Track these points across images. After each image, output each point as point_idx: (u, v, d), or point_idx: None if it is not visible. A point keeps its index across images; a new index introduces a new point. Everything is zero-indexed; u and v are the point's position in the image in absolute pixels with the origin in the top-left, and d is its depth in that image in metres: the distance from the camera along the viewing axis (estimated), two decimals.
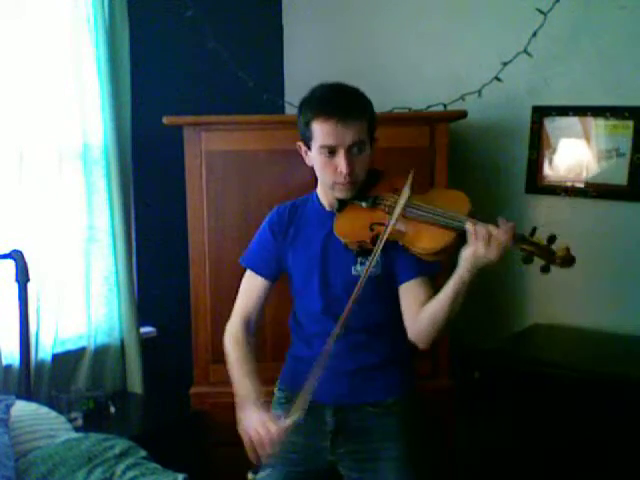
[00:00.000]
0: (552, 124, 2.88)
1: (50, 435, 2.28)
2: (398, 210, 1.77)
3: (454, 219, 1.72)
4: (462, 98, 2.92)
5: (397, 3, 3.24)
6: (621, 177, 2.72)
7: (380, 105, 3.22)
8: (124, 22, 2.87)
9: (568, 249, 1.68)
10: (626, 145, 2.71)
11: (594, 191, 2.79)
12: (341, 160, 1.78)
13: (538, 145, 2.91)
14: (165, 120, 2.73)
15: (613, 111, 2.73)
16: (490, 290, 3.06)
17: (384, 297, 1.87)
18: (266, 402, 1.90)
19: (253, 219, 2.76)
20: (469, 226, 1.66)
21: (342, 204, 1.88)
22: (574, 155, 2.84)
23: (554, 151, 2.88)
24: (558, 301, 2.94)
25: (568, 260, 1.68)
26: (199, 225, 2.78)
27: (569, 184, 2.85)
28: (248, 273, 2.02)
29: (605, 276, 2.83)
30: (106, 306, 2.91)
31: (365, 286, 1.77)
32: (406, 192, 1.79)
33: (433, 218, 1.76)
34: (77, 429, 2.46)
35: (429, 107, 3.00)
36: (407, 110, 2.99)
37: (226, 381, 2.81)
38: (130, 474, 2.11)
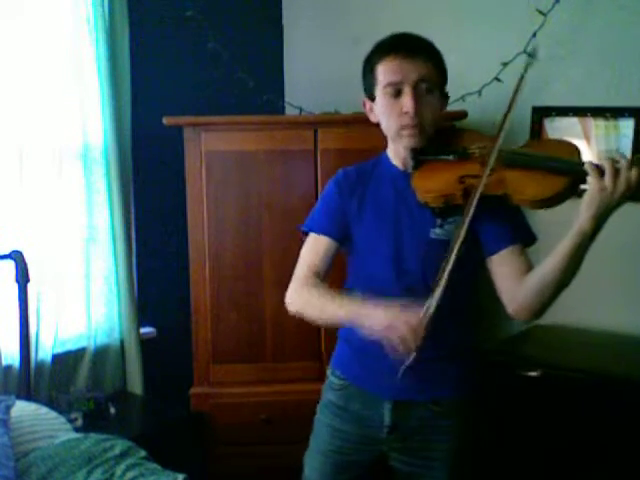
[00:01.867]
0: (552, 124, 2.88)
1: (50, 435, 2.28)
2: (495, 153, 1.59)
3: (567, 162, 1.55)
4: (462, 98, 2.92)
5: (397, 3, 3.24)
6: None
7: None
8: (124, 22, 2.87)
9: None
10: (626, 145, 2.71)
11: None
12: (406, 98, 1.66)
13: None
14: (165, 120, 2.73)
15: (613, 111, 2.73)
16: (490, 290, 3.06)
17: (461, 271, 1.63)
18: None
19: (253, 219, 2.78)
20: (589, 166, 1.48)
21: (418, 161, 1.71)
22: None
23: None
24: (558, 301, 2.91)
25: None
26: (199, 225, 2.78)
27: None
28: (312, 236, 1.82)
29: (605, 276, 2.83)
30: (106, 306, 2.91)
31: (437, 253, 1.61)
32: (502, 135, 1.62)
33: (542, 163, 1.57)
34: (77, 429, 2.46)
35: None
36: None
37: (226, 381, 2.84)
38: (130, 474, 2.11)
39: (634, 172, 1.45)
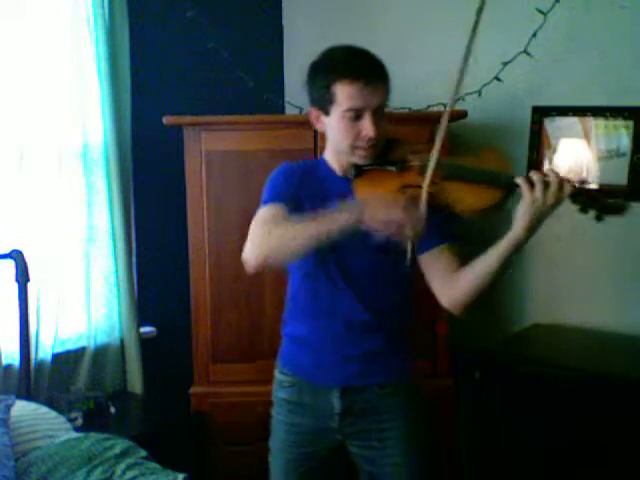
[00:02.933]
0: (552, 124, 2.88)
1: (50, 435, 2.29)
2: (432, 166, 1.66)
3: (502, 175, 1.66)
4: (462, 98, 2.92)
5: (397, 3, 3.24)
6: (621, 177, 2.72)
7: None
8: (124, 22, 2.87)
9: (619, 202, 1.66)
10: (626, 145, 2.71)
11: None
12: (368, 123, 1.71)
13: (538, 145, 2.90)
14: (165, 120, 2.73)
15: (613, 111, 2.72)
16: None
17: (397, 271, 1.78)
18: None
19: (253, 219, 2.77)
20: (521, 177, 1.59)
21: (359, 170, 1.78)
22: (574, 155, 2.84)
23: (554, 151, 2.88)
24: (558, 301, 2.93)
25: (621, 208, 1.66)
26: (199, 225, 2.78)
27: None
28: (264, 207, 1.79)
29: (605, 276, 2.83)
30: (106, 306, 2.91)
31: (376, 257, 1.72)
32: (437, 148, 1.68)
33: (477, 177, 1.68)
34: (77, 429, 2.46)
35: (429, 107, 3.00)
36: (407, 110, 2.99)
37: (226, 381, 2.84)
38: (130, 474, 2.11)
39: (565, 188, 1.58)
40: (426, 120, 2.81)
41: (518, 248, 1.64)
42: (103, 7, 2.77)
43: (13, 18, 2.59)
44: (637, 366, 2.44)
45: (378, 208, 1.58)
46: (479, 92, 2.89)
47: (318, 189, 1.83)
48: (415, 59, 3.18)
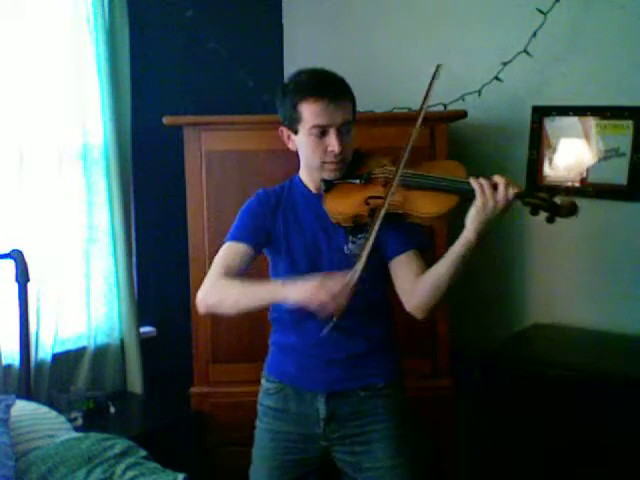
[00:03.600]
0: (552, 124, 2.88)
1: (50, 435, 2.28)
2: (398, 176, 1.78)
3: (456, 182, 1.76)
4: (462, 98, 2.93)
5: (397, 3, 3.24)
6: (621, 177, 2.72)
7: (380, 105, 3.24)
8: (124, 22, 2.87)
9: (572, 201, 1.72)
10: (626, 145, 2.71)
11: (594, 191, 2.79)
12: (332, 139, 1.80)
13: (538, 145, 2.91)
14: (165, 120, 2.73)
15: (613, 111, 2.73)
16: (490, 290, 3.07)
17: (373, 276, 1.86)
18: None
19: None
20: (473, 182, 1.69)
21: (329, 185, 1.88)
22: (574, 155, 2.84)
23: (554, 151, 2.88)
24: (558, 301, 2.94)
25: (571, 209, 1.71)
26: (199, 225, 2.78)
27: (569, 184, 2.85)
28: (229, 244, 1.96)
29: (605, 276, 2.83)
30: (106, 306, 2.91)
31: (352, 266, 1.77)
32: (404, 159, 1.79)
33: (435, 184, 1.78)
34: (77, 429, 2.46)
35: (429, 107, 3.00)
36: (407, 110, 2.99)
37: (226, 381, 2.84)
38: (130, 474, 2.11)
39: (510, 190, 1.66)
40: (426, 120, 2.79)
41: (469, 249, 1.71)
42: (103, 7, 2.77)
43: (13, 18, 2.58)
44: (637, 366, 2.44)
45: (294, 289, 1.71)
46: (479, 92, 2.90)
47: (294, 212, 1.94)
48: (415, 59, 3.18)
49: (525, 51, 2.79)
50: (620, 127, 2.72)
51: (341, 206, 1.86)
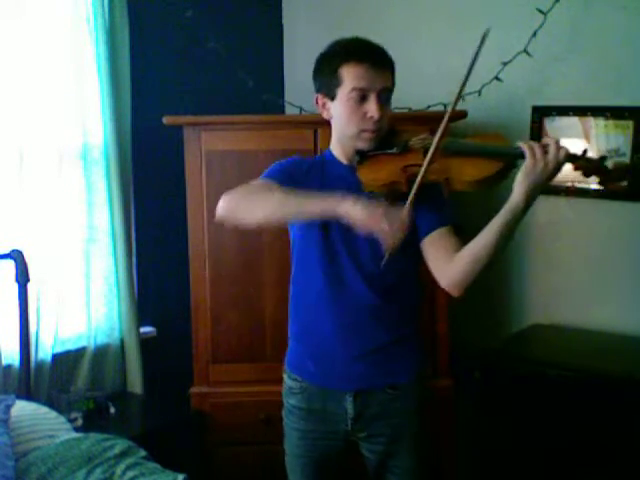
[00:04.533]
0: (552, 124, 2.88)
1: (50, 435, 2.28)
2: (436, 140, 1.68)
3: (501, 146, 1.71)
4: (462, 98, 2.92)
5: (397, 3, 3.24)
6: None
7: None
8: (124, 22, 2.87)
9: (624, 164, 1.72)
10: (626, 145, 2.71)
11: (594, 191, 2.79)
12: (372, 105, 1.76)
13: None
14: (165, 120, 2.73)
15: (613, 111, 2.72)
16: (490, 290, 3.06)
17: (402, 253, 1.74)
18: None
19: None
20: (522, 144, 1.64)
21: (363, 155, 1.81)
22: None
23: None
24: (558, 301, 2.93)
25: (622, 173, 1.71)
26: (199, 225, 2.78)
27: (569, 184, 2.85)
28: (263, 179, 1.87)
29: (605, 276, 2.83)
30: (106, 306, 2.91)
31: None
32: (443, 127, 1.70)
33: (478, 149, 1.73)
34: (77, 429, 2.46)
35: (429, 107, 3.00)
36: (407, 110, 2.99)
37: (226, 381, 2.84)
38: (130, 474, 2.10)
39: (562, 151, 1.61)
40: (426, 120, 2.81)
41: (517, 216, 1.64)
42: (103, 7, 2.77)
43: (13, 18, 2.58)
44: (637, 366, 2.44)
45: (357, 206, 1.61)
46: (479, 92, 2.89)
47: (324, 183, 1.85)
48: (415, 59, 3.18)
49: (525, 51, 2.79)
50: (620, 127, 2.72)
51: (376, 174, 1.78)
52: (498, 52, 2.85)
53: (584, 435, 2.35)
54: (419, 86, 3.14)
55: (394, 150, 1.81)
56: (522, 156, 1.64)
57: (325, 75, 1.82)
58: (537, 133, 2.90)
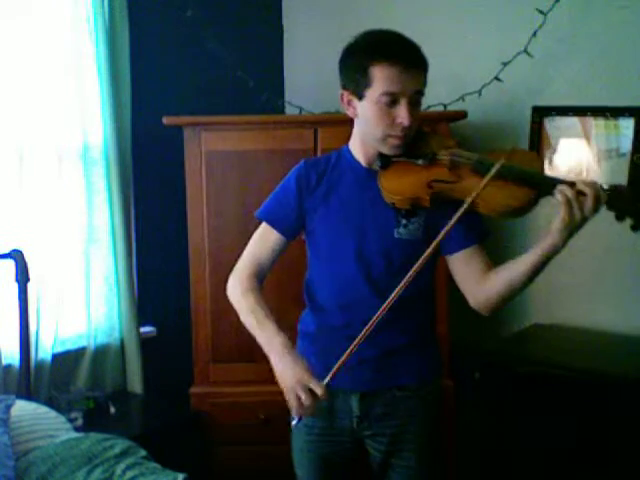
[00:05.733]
0: (552, 124, 2.88)
1: (50, 435, 2.28)
2: (493, 172, 1.60)
3: (539, 176, 1.64)
4: (462, 98, 2.92)
5: (397, 3, 3.24)
6: (621, 177, 2.72)
7: None
8: (124, 22, 2.87)
9: None
10: (626, 145, 2.71)
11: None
12: (403, 110, 1.65)
13: (538, 145, 2.90)
14: (165, 120, 2.73)
15: (613, 111, 2.72)
16: None
17: (423, 271, 1.70)
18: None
19: (253, 219, 2.76)
20: (559, 194, 1.55)
21: (385, 161, 1.73)
22: (574, 155, 2.84)
23: (554, 151, 2.88)
24: (558, 301, 2.93)
25: None
26: (199, 225, 2.78)
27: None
28: (264, 225, 1.88)
29: (606, 276, 2.83)
30: (106, 306, 2.91)
31: (400, 253, 1.71)
32: (503, 158, 1.63)
33: (511, 174, 1.62)
34: (77, 429, 2.46)
35: (429, 107, 3.00)
36: None
37: (226, 381, 2.84)
38: (130, 474, 2.10)
39: (598, 205, 1.54)
40: (426, 120, 2.80)
41: (554, 254, 1.62)
42: (103, 7, 2.77)
43: (13, 18, 2.58)
44: (637, 366, 2.44)
45: (277, 366, 1.73)
46: (479, 92, 2.89)
47: (338, 188, 1.80)
48: None
49: (525, 51, 2.79)
50: (620, 127, 2.72)
51: (399, 185, 1.69)
52: (498, 52, 2.85)
53: (584, 435, 2.35)
54: None
55: (420, 162, 1.72)
56: (557, 187, 1.57)
57: (353, 71, 1.70)
58: (537, 133, 2.90)
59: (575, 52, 2.79)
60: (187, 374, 2.84)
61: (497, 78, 2.87)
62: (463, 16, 3.06)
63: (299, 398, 1.63)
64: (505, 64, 2.83)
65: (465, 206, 1.61)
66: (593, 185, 1.57)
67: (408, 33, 3.24)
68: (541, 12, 2.72)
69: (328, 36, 3.45)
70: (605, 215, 2.88)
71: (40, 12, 2.65)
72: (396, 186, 1.70)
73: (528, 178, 1.63)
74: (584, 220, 1.56)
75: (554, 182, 1.60)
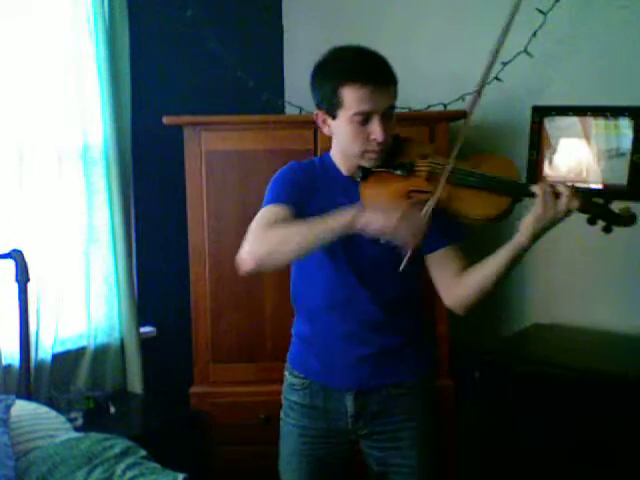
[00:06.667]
0: (552, 124, 2.88)
1: (50, 435, 2.28)
2: (445, 176, 1.68)
3: (513, 183, 1.69)
4: (462, 98, 2.92)
5: (397, 3, 3.24)
6: (621, 177, 2.72)
7: None
8: (124, 22, 2.87)
9: (628, 208, 1.69)
10: (626, 145, 2.71)
11: (594, 191, 2.79)
12: (376, 127, 1.69)
13: (538, 145, 2.90)
14: (165, 120, 2.73)
15: (613, 111, 2.72)
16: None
17: (406, 270, 1.74)
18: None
19: (253, 219, 2.77)
20: (537, 188, 1.62)
21: (366, 172, 1.78)
22: (574, 155, 2.84)
23: (554, 151, 2.88)
24: (558, 301, 2.93)
25: (630, 218, 1.68)
26: (199, 225, 2.78)
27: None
28: (268, 207, 1.79)
29: (605, 276, 2.83)
30: (106, 306, 2.91)
31: (388, 257, 1.71)
32: (453, 157, 1.70)
33: (487, 185, 1.69)
34: (77, 429, 2.46)
35: (429, 107, 3.00)
36: (407, 110, 2.99)
37: (226, 381, 2.84)
38: (130, 474, 2.11)
39: (574, 202, 1.60)
40: (426, 120, 2.81)
41: (522, 254, 1.67)
42: (103, 7, 2.77)
43: (13, 18, 2.58)
44: (637, 366, 2.44)
45: (374, 215, 1.59)
46: (479, 92, 2.89)
47: (328, 194, 1.82)
48: (415, 59, 3.18)
49: (525, 51, 2.78)
50: (620, 127, 2.72)
51: (380, 196, 1.75)
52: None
53: (584, 435, 2.35)
54: (419, 86, 3.14)
55: (399, 172, 1.77)
56: (532, 195, 1.63)
57: (324, 92, 1.74)
58: (537, 133, 2.90)
59: (575, 52, 2.79)
60: (187, 374, 2.84)
61: (497, 78, 2.86)
62: (463, 16, 3.06)
63: (410, 230, 1.59)
64: (505, 64, 2.83)
65: (427, 209, 1.66)
66: (570, 187, 1.63)
67: (408, 33, 3.25)
68: (541, 12, 2.72)
69: (328, 36, 3.43)
70: None
71: (40, 12, 2.65)
72: (376, 198, 1.75)
73: (499, 187, 1.69)
74: (554, 219, 1.62)
75: (524, 189, 1.67)
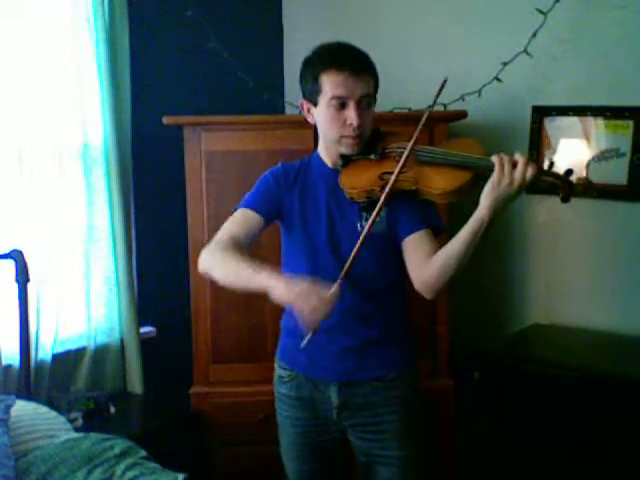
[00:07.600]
0: (552, 124, 2.88)
1: (50, 435, 2.28)
2: (407, 151, 1.76)
3: (471, 157, 1.74)
4: (462, 98, 2.92)
5: (397, 3, 3.24)
6: (621, 177, 2.72)
7: (380, 105, 3.22)
8: (124, 22, 2.87)
9: (587, 178, 1.73)
10: (626, 145, 2.71)
11: (594, 191, 2.78)
12: (352, 112, 1.80)
13: (538, 145, 2.91)
14: (165, 120, 2.73)
15: (613, 111, 2.73)
16: (490, 290, 3.07)
17: (387, 259, 1.89)
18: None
19: None
20: (494, 157, 1.67)
21: (346, 160, 1.87)
22: (574, 155, 2.84)
23: (554, 151, 2.88)
24: (558, 301, 2.94)
25: (588, 187, 1.71)
26: (199, 225, 2.78)
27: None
28: (240, 211, 1.94)
29: (605, 276, 2.83)
30: (106, 306, 2.91)
31: (369, 245, 1.78)
32: (416, 135, 1.78)
33: (448, 159, 1.77)
34: (77, 429, 2.45)
35: (429, 107, 3.00)
36: (407, 110, 2.99)
37: (226, 381, 2.84)
38: (130, 474, 2.10)
39: (529, 169, 1.64)
40: (426, 120, 2.80)
41: (481, 227, 1.68)
42: (103, 7, 2.77)
43: (13, 18, 2.58)
44: (637, 366, 2.44)
45: (277, 284, 1.67)
46: (479, 92, 2.90)
47: (310, 188, 1.94)
48: (415, 59, 3.18)
49: (525, 51, 2.79)
50: (620, 127, 2.72)
51: (355, 180, 1.84)
52: (498, 52, 2.85)
53: (584, 435, 2.35)
54: (419, 86, 3.12)
55: (372, 157, 1.86)
56: (493, 168, 1.67)
57: (307, 82, 1.87)
58: (537, 133, 2.90)
59: (575, 52, 2.79)
60: (187, 374, 2.84)
61: (497, 78, 2.87)
62: (463, 16, 3.06)
63: (310, 304, 1.63)
64: (505, 64, 2.84)
65: (387, 190, 1.76)
66: (525, 156, 1.67)
67: (408, 33, 3.26)
68: (541, 12, 2.72)
69: (328, 36, 3.43)
70: (606, 215, 2.89)
71: (40, 12, 2.65)
72: (353, 181, 1.85)
73: (459, 162, 1.75)
74: (511, 189, 1.63)
75: (482, 160, 1.72)
